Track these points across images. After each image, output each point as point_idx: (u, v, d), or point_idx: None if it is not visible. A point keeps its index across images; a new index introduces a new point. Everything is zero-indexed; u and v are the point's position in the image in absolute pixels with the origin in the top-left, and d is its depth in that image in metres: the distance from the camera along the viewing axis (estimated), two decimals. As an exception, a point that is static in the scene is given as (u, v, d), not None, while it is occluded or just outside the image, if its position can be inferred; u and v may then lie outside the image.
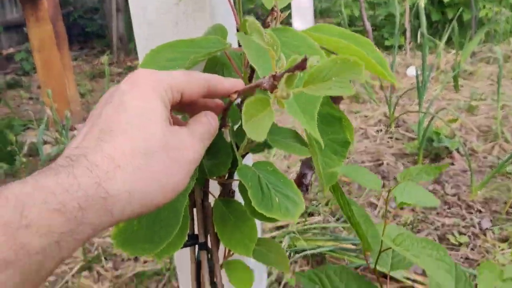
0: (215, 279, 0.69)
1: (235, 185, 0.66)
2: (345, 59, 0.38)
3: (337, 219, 1.76)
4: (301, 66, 0.37)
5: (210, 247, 0.69)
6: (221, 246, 0.70)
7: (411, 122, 2.56)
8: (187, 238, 0.69)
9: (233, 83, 0.46)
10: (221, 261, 0.70)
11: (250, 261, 0.73)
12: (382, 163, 2.16)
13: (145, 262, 1.64)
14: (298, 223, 1.73)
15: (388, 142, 2.41)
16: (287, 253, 1.57)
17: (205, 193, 0.66)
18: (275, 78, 0.40)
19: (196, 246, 0.69)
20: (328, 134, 0.65)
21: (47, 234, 0.30)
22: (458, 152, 2.23)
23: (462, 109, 2.72)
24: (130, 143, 0.35)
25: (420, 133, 2.13)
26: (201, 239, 0.67)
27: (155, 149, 0.36)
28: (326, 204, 1.84)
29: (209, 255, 0.69)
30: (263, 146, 0.64)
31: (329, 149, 0.68)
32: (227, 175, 0.65)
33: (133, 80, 0.39)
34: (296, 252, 1.57)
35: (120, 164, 0.34)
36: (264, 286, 1.05)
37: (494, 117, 2.57)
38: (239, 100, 0.53)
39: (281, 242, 1.62)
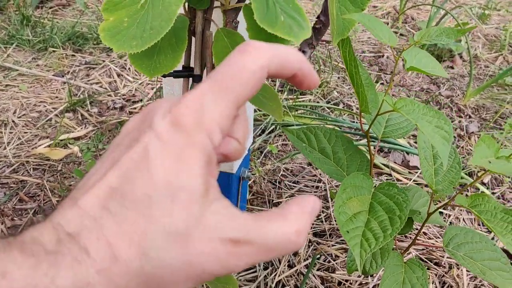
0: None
1: (239, 17, 0.61)
2: None
3: (327, 102, 1.74)
4: None
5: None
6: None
7: (419, 20, 2.47)
8: (182, 69, 0.66)
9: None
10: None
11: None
12: (383, 55, 2.11)
13: (130, 113, 1.62)
14: (289, 99, 1.71)
15: (392, 36, 2.33)
16: (273, 126, 1.57)
17: (207, 21, 0.61)
18: None
19: (190, 79, 0.66)
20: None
21: None
22: (461, 57, 2.17)
23: (474, 15, 2.61)
24: (141, 227, 0.24)
25: (428, 30, 2.05)
26: (197, 71, 0.64)
27: (173, 246, 0.24)
28: (320, 86, 1.81)
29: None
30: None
31: (347, -4, 0.63)
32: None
33: (173, 121, 0.25)
34: (283, 126, 1.57)
35: (119, 257, 0.23)
36: (250, 142, 1.05)
37: (504, 28, 2.48)
38: None
39: (269, 115, 1.61)
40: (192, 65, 0.65)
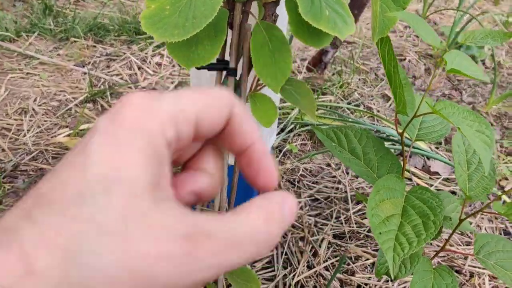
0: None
1: (279, 9, 0.60)
2: None
3: (348, 103, 1.73)
4: None
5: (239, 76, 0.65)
6: (248, 79, 0.66)
7: (442, 25, 2.44)
8: (216, 62, 0.65)
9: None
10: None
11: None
12: (405, 59, 2.08)
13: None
14: (309, 99, 1.69)
15: (414, 40, 2.30)
16: (293, 125, 1.55)
17: (245, 13, 0.60)
18: None
19: (224, 72, 0.65)
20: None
21: None
22: (483, 64, 2.14)
23: (497, 23, 2.58)
24: (70, 229, 0.19)
25: (452, 35, 2.03)
26: (232, 64, 0.63)
27: (108, 252, 0.19)
28: (340, 87, 1.79)
29: (235, 85, 0.66)
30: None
31: (390, -7, 0.61)
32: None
33: (115, 112, 0.22)
34: (302, 125, 1.56)
35: (35, 267, 0.19)
36: (273, 140, 1.04)
37: (528, 36, 2.44)
38: None
39: (289, 113, 1.59)
40: (226, 58, 0.64)
